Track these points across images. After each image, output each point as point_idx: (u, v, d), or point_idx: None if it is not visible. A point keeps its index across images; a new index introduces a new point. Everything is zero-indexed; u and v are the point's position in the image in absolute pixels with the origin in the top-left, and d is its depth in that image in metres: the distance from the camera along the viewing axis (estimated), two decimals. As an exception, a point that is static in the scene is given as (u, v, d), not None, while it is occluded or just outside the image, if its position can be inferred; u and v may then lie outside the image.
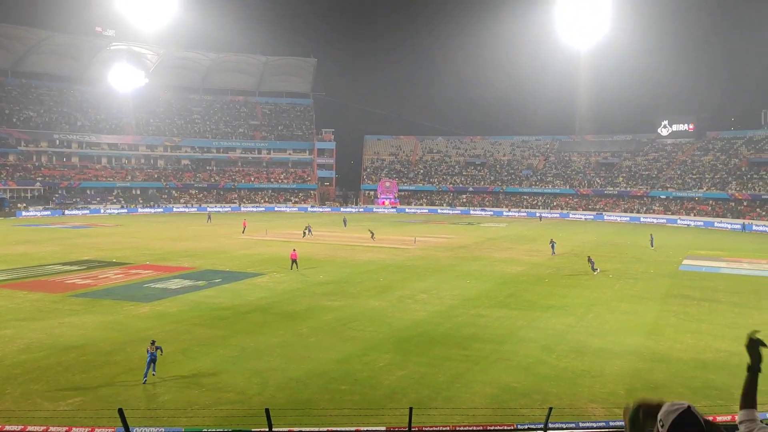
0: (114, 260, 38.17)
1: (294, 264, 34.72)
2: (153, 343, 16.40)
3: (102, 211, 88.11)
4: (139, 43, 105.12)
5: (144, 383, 15.74)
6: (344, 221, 69.40)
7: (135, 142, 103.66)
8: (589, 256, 37.10)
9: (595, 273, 34.49)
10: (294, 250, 35.98)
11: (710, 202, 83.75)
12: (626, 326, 22.32)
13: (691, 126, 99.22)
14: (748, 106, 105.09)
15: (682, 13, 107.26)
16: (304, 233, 54.82)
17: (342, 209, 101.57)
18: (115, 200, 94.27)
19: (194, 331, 20.93)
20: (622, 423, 2.77)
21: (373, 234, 52.43)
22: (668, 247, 50.47)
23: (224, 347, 19.05)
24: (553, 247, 44.28)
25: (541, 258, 41.90)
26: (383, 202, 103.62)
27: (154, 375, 16.12)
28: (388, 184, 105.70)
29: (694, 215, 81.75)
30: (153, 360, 16.17)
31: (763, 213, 76.71)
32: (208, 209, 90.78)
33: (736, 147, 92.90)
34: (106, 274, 33.02)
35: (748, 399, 3.00)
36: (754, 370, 2.98)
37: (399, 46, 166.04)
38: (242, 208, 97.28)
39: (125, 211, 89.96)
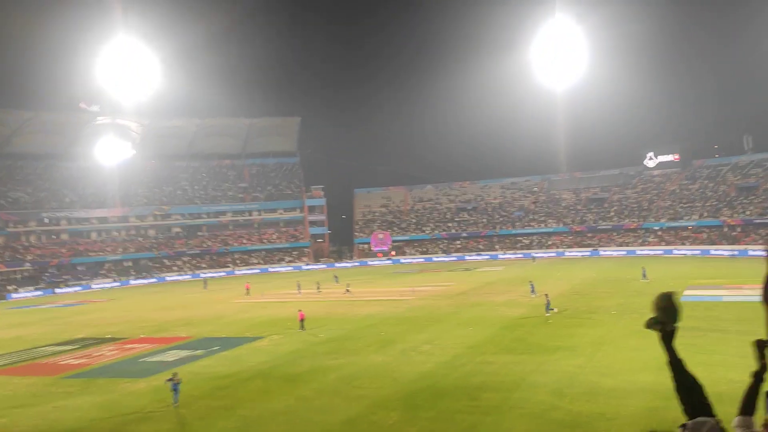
0: (108, 336, 37.35)
1: (302, 324, 33.96)
2: (176, 374, 20.24)
3: (93, 286, 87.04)
4: (123, 115, 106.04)
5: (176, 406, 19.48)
6: (335, 278, 69.00)
7: (124, 213, 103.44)
8: (546, 294, 36.42)
9: (548, 314, 33.30)
10: (300, 310, 35.29)
11: (704, 230, 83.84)
12: (637, 363, 21.74)
13: (676, 156, 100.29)
14: (730, 132, 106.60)
15: (658, 47, 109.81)
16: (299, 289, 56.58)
17: (336, 264, 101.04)
18: (106, 274, 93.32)
19: (194, 404, 20.18)
20: None
21: (348, 288, 53.53)
22: (668, 278, 50.10)
23: (225, 419, 18.34)
24: (532, 288, 43.42)
25: (541, 299, 41.33)
26: (380, 255, 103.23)
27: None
28: (381, 235, 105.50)
29: (690, 244, 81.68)
30: (176, 389, 19.69)
31: (758, 238, 76.70)
32: (202, 276, 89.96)
33: (723, 173, 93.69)
34: (100, 351, 32.20)
35: (747, 406, 3.07)
36: (758, 375, 3.06)
37: (381, 99, 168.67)
38: (236, 272, 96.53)
39: (117, 284, 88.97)
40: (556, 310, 34.05)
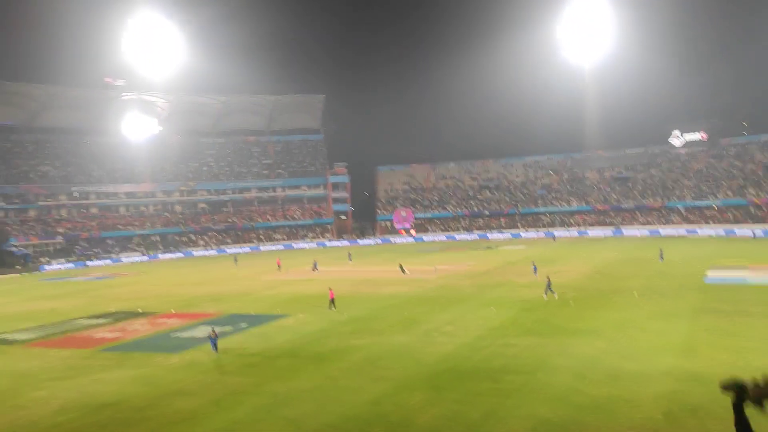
0: (139, 310, 38.45)
1: (332, 303, 34.32)
2: (213, 329, 25.82)
3: (122, 259, 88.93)
4: (149, 91, 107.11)
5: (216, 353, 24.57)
6: (348, 256, 69.22)
7: (151, 189, 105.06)
8: (548, 276, 36.32)
9: (546, 297, 33.55)
10: (330, 288, 35.74)
11: (730, 209, 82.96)
12: (659, 346, 22.04)
13: (703, 134, 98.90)
14: (759, 109, 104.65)
15: (685, 22, 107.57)
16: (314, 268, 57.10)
17: (359, 241, 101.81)
18: (135, 248, 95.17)
19: (225, 380, 20.97)
20: None
21: (402, 268, 51.05)
22: (692, 258, 50.01)
23: (256, 395, 19.04)
24: (535, 269, 44.03)
25: (564, 279, 41.58)
26: (402, 231, 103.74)
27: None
28: (403, 213, 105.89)
29: (714, 224, 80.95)
30: (214, 342, 24.97)
31: (785, 217, 75.79)
32: (229, 251, 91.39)
33: (751, 152, 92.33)
34: (133, 325, 33.24)
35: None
36: (737, 406, 3.10)
37: (405, 76, 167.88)
38: (261, 248, 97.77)
39: (146, 258, 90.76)
40: (555, 295, 33.88)
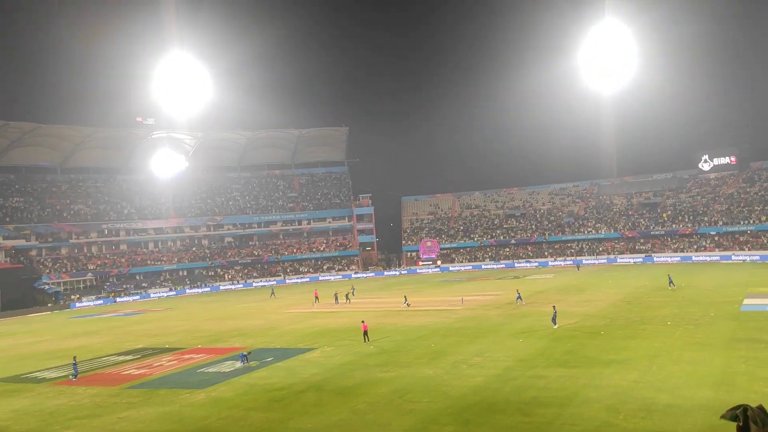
0: (166, 346, 38.56)
1: (365, 336, 34.15)
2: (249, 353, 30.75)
3: (151, 295, 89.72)
4: (177, 129, 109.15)
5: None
6: (352, 290, 64.65)
7: (179, 224, 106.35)
8: (554, 306, 36.47)
9: (556, 326, 33.58)
10: (363, 321, 35.54)
11: (764, 234, 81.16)
12: (694, 378, 21.36)
13: (732, 158, 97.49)
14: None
15: (710, 44, 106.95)
16: (336, 299, 57.75)
17: (385, 273, 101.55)
18: (163, 283, 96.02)
19: (250, 416, 20.78)
20: None
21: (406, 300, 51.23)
22: (726, 285, 48.83)
23: (283, 431, 18.82)
24: (518, 298, 45.97)
25: (592, 309, 40.87)
26: (419, 263, 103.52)
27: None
28: (429, 243, 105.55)
29: (749, 249, 79.20)
30: (243, 359, 29.78)
31: (821, 240, 73.88)
32: (255, 285, 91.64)
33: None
34: (160, 361, 33.31)
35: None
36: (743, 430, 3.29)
37: (428, 106, 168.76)
38: (287, 281, 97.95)
39: (174, 293, 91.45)
40: (556, 326, 33.72)
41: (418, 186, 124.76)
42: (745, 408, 3.25)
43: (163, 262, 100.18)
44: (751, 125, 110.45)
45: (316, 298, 60.25)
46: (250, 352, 31.28)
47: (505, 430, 17.31)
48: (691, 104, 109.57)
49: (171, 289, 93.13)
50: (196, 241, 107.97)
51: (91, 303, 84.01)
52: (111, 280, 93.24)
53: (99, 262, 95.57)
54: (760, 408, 3.19)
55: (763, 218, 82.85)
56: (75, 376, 29.86)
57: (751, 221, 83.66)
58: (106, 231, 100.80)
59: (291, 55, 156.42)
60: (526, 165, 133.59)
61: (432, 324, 39.19)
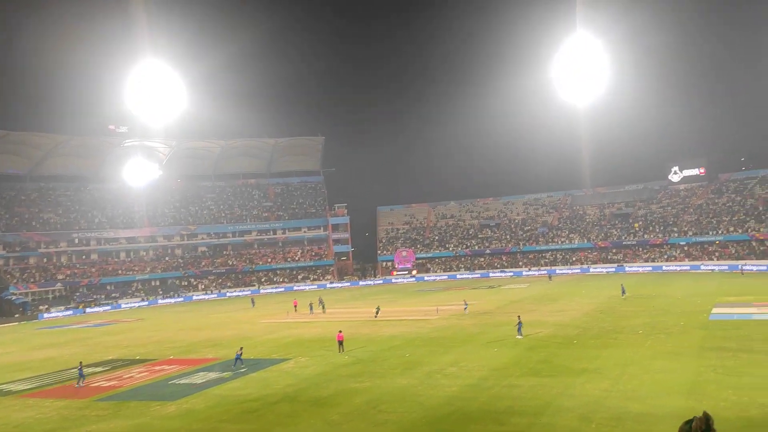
0: (137, 357, 37.96)
1: (341, 346, 33.95)
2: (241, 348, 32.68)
3: (122, 305, 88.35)
4: (150, 137, 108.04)
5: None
6: (320, 301, 60.82)
7: (152, 233, 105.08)
8: (519, 316, 36.63)
9: (520, 337, 33.81)
10: (340, 331, 35.31)
11: (732, 244, 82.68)
12: (665, 386, 21.61)
13: (702, 170, 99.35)
14: (757, 145, 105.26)
15: (680, 56, 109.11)
16: (311, 309, 57.78)
17: (360, 283, 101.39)
18: (134, 293, 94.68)
19: (222, 428, 20.51)
20: None
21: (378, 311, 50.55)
22: (696, 295, 49.61)
23: (255, 443, 18.60)
24: (465, 307, 48.19)
25: (566, 318, 41.21)
26: (393, 272, 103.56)
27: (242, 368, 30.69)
28: (404, 253, 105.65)
29: (717, 259, 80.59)
30: (239, 357, 31.55)
31: (788, 251, 75.50)
32: (229, 295, 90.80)
33: (750, 187, 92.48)
34: (130, 373, 32.76)
35: None
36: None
37: (404, 116, 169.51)
38: (261, 290, 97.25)
39: (146, 303, 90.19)
40: (521, 337, 33.84)
41: (394, 196, 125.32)
42: (690, 420, 3.48)
43: (135, 272, 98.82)
44: (720, 138, 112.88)
45: (295, 307, 59.92)
46: (242, 348, 33.56)
47: (479, 440, 17.31)
48: (661, 116, 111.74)
49: (143, 300, 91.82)
50: (169, 251, 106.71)
51: (60, 314, 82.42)
52: (81, 290, 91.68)
53: (69, 272, 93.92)
54: (705, 415, 3.36)
55: (731, 229, 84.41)
56: (82, 380, 30.03)
57: (720, 231, 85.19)
58: (77, 240, 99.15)
59: (266, 63, 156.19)
60: (501, 175, 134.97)
61: (407, 334, 39.15)
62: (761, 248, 78.90)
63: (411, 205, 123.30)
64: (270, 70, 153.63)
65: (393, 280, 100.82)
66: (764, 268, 71.30)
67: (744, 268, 71.81)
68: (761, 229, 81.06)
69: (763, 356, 25.36)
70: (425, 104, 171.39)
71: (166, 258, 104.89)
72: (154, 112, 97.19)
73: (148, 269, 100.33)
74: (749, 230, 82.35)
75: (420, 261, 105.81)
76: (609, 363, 26.09)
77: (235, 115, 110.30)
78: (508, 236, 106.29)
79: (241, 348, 33.50)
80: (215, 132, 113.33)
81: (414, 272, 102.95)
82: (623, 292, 51.90)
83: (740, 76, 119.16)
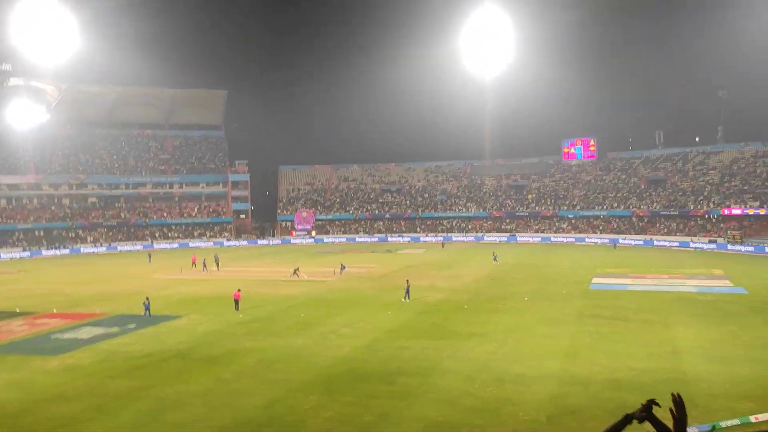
0: (17, 310, 36.04)
1: (237, 304, 33.52)
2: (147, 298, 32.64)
3: (2, 255, 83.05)
4: (38, 77, 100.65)
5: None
6: (215, 259, 59.65)
7: (37, 181, 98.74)
8: (407, 281, 37.62)
9: (405, 300, 35.10)
10: (238, 290, 34.76)
11: (615, 219, 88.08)
12: (545, 350, 23.05)
13: (593, 147, 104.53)
14: (643, 127, 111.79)
15: (581, 42, 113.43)
16: (204, 266, 56.45)
17: (259, 242, 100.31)
18: (16, 243, 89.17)
19: (109, 384, 20.02)
20: None
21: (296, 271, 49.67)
22: (579, 266, 52.70)
23: (142, 400, 18.31)
24: (342, 269, 50.17)
25: (459, 284, 42.76)
26: (292, 233, 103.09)
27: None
28: (305, 214, 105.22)
29: (600, 233, 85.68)
30: (147, 308, 31.87)
31: (664, 228, 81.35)
32: (120, 249, 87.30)
33: (635, 166, 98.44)
34: (9, 326, 31.09)
35: None
36: (629, 418, 3.27)
37: (310, 76, 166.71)
38: (155, 245, 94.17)
39: (28, 254, 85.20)
40: (408, 300, 35.01)
41: (297, 156, 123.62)
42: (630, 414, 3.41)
43: (16, 221, 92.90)
44: (611, 118, 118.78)
45: (194, 263, 58.46)
46: (148, 298, 33.44)
47: (369, 399, 17.87)
48: (559, 93, 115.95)
49: (25, 250, 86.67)
50: (56, 200, 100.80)
51: (-70, 262, 76.44)
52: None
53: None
54: (648, 402, 3.35)
55: (615, 205, 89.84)
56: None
57: (605, 207, 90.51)
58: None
59: (168, 8, 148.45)
60: (404, 142, 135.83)
61: (304, 294, 39.34)
62: (640, 224, 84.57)
63: (314, 166, 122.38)
64: (172, 15, 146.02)
65: (292, 241, 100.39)
66: (641, 242, 76.61)
67: (617, 243, 76.93)
68: (641, 207, 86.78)
69: (636, 324, 27.49)
70: (332, 67, 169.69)
71: (53, 207, 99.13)
72: (43, 51, 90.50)
73: (32, 218, 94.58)
74: (631, 207, 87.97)
75: (320, 223, 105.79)
76: (496, 327, 27.46)
77: (134, 62, 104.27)
78: (408, 202, 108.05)
79: (147, 298, 33.25)
80: (111, 77, 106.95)
81: (313, 233, 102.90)
82: (495, 258, 56.35)
83: (634, 62, 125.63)
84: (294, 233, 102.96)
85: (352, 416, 16.50)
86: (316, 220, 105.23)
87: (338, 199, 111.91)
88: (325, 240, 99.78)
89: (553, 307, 32.58)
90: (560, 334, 25.76)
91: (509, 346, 23.92)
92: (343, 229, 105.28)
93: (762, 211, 74.13)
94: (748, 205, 76.30)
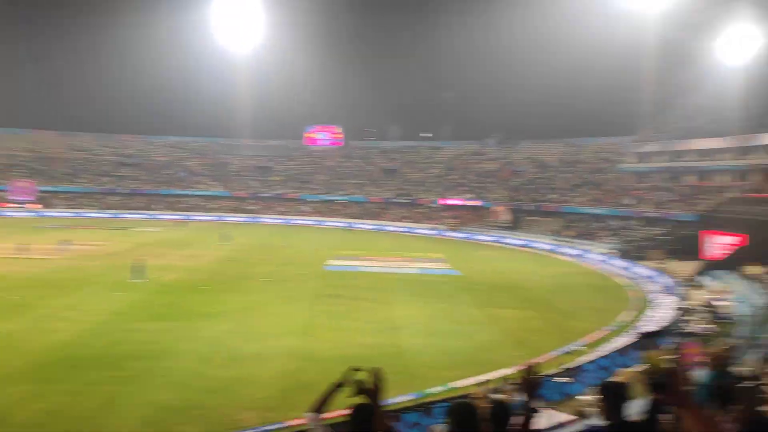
0: None
1: None
2: None
3: None
4: None
5: None
6: None
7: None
8: (137, 259, 36.41)
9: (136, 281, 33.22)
10: None
11: (353, 204, 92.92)
12: (281, 329, 23.56)
13: (337, 134, 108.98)
14: (381, 119, 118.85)
15: (329, 33, 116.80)
16: None
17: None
18: None
19: None
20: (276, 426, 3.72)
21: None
22: (318, 248, 54.62)
23: None
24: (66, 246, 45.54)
25: (197, 263, 41.68)
26: (3, 204, 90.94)
27: None
28: (24, 183, 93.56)
29: (339, 217, 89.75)
30: None
31: (393, 215, 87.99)
32: None
33: (372, 156, 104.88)
34: None
35: (320, 405, 3.90)
36: (340, 385, 3.83)
37: (39, 32, 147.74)
38: None
39: None
40: (147, 280, 33.21)
41: (15, 117, 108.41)
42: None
43: None
44: (355, 107, 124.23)
45: None
46: None
47: (91, 386, 16.64)
48: (307, 78, 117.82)
49: None
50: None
51: None
52: None
53: None
54: (353, 369, 3.66)
55: (353, 191, 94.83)
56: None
57: (345, 192, 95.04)
58: None
59: None
60: (144, 113, 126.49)
61: (18, 273, 35.02)
62: (375, 210, 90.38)
63: (37, 130, 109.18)
64: None
65: (5, 213, 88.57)
66: (372, 227, 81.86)
67: (354, 226, 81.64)
68: (375, 193, 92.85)
69: (365, 303, 29.39)
70: (62, 23, 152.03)
71: None
72: None
73: None
74: (367, 193, 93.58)
75: (43, 194, 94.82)
76: (233, 307, 27.36)
77: None
78: (146, 177, 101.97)
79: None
80: None
81: (36, 206, 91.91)
82: (226, 238, 56.86)
83: (379, 56, 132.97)
84: (7, 205, 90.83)
85: (70, 406, 15.19)
86: (40, 191, 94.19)
87: (67, 170, 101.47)
88: (49, 214, 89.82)
89: (291, 287, 33.42)
90: (296, 313, 26.53)
91: (246, 326, 24.00)
92: (71, 203, 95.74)
93: (476, 203, 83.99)
94: (464, 197, 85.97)
